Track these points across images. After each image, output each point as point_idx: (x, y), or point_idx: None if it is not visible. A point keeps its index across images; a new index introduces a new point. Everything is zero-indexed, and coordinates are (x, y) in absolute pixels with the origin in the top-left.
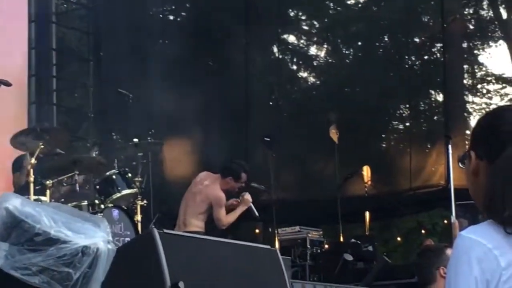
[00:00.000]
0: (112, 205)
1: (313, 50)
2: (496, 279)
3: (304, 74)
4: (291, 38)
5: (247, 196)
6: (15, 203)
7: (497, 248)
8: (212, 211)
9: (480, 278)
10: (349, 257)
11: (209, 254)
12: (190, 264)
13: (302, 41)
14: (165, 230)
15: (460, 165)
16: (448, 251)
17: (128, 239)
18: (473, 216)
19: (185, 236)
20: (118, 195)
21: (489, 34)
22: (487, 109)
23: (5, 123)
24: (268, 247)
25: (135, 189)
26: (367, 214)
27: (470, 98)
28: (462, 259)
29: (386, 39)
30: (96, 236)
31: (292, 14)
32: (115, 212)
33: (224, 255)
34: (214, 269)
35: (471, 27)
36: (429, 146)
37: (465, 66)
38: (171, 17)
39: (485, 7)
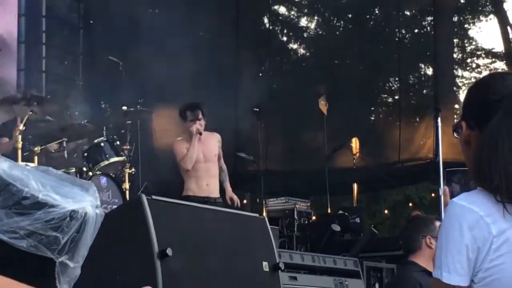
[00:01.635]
0: (100, 172)
1: (303, 22)
2: (487, 247)
3: (295, 46)
4: (282, 10)
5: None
6: (3, 166)
7: (489, 215)
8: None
9: (471, 246)
10: (336, 228)
11: (198, 220)
12: (179, 230)
13: (293, 12)
14: (153, 196)
15: (455, 135)
16: (437, 223)
17: (115, 206)
18: (465, 182)
19: (174, 203)
20: (106, 162)
21: (480, 8)
22: None
23: None
24: (257, 215)
25: (123, 157)
26: (355, 186)
27: (459, 72)
28: (454, 226)
29: (377, 11)
30: (84, 200)
31: None
32: (103, 180)
33: (213, 222)
34: (203, 236)
35: (462, 1)
36: (418, 119)
37: (455, 40)
38: None
39: None
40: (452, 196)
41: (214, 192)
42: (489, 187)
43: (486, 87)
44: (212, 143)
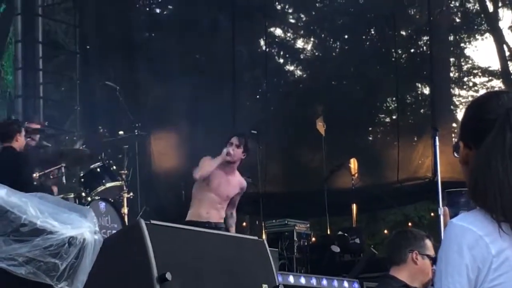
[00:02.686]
0: (99, 197)
1: (300, 43)
2: (487, 267)
3: (291, 67)
4: (278, 32)
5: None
6: (1, 193)
7: (488, 235)
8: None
9: (471, 266)
10: (336, 249)
11: (197, 244)
12: (178, 255)
13: (289, 34)
14: (152, 221)
15: (455, 155)
16: (427, 241)
17: (115, 231)
18: (465, 203)
19: (173, 227)
20: (103, 187)
21: (476, 27)
22: None
23: None
24: (256, 238)
25: (120, 182)
26: (354, 206)
27: (456, 91)
28: (453, 247)
29: (373, 32)
30: (82, 226)
31: (279, 7)
32: (102, 205)
33: (212, 245)
34: (202, 260)
35: (458, 20)
36: (415, 139)
37: (452, 59)
38: (158, 10)
39: (471, 0)
40: (453, 217)
41: (214, 218)
42: (485, 206)
43: (481, 107)
44: (234, 185)
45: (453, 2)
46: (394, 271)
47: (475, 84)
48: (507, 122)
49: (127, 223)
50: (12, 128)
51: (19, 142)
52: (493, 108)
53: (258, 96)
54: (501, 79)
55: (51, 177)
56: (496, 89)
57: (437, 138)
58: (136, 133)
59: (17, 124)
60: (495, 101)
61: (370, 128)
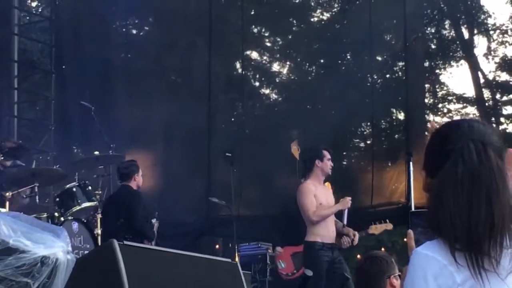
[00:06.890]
0: (72, 217)
1: (276, 67)
2: None
3: (267, 91)
4: (254, 55)
5: (348, 200)
6: None
7: (452, 264)
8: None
9: None
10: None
11: (170, 266)
12: (150, 276)
13: (265, 57)
14: (125, 242)
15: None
16: (393, 260)
17: (87, 252)
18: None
19: (145, 248)
20: (78, 207)
21: (451, 53)
22: None
23: None
24: (229, 260)
25: (95, 202)
26: None
27: (431, 117)
28: (418, 276)
29: (349, 57)
30: (55, 246)
31: (255, 30)
32: (75, 225)
33: (185, 267)
34: (175, 282)
35: (433, 46)
36: (390, 164)
37: (427, 85)
38: (134, 31)
39: (447, 27)
40: (417, 240)
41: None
42: (440, 236)
43: (442, 137)
44: (330, 191)
45: (428, 29)
46: None
47: (449, 111)
48: (460, 155)
49: (100, 244)
50: (132, 169)
51: (136, 181)
52: (452, 138)
53: (233, 119)
54: (475, 106)
55: (24, 196)
56: (471, 116)
57: (411, 163)
58: (111, 154)
59: (136, 165)
60: (455, 131)
61: (344, 153)
